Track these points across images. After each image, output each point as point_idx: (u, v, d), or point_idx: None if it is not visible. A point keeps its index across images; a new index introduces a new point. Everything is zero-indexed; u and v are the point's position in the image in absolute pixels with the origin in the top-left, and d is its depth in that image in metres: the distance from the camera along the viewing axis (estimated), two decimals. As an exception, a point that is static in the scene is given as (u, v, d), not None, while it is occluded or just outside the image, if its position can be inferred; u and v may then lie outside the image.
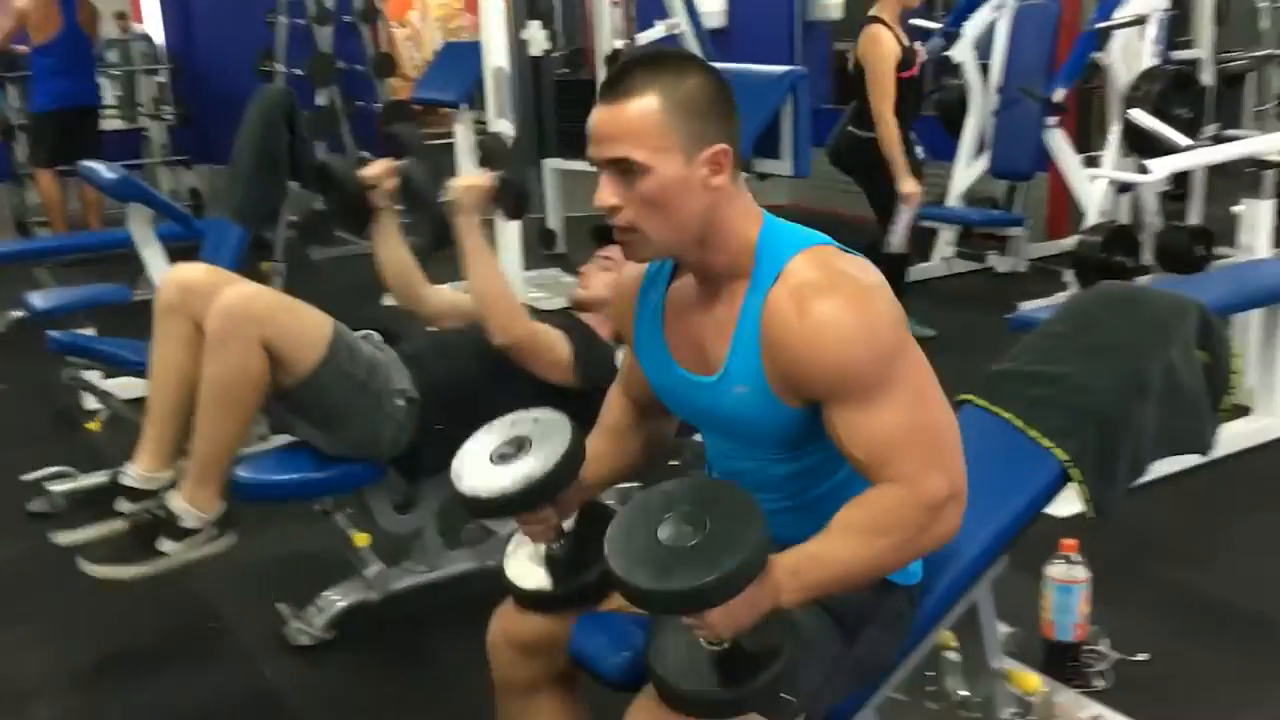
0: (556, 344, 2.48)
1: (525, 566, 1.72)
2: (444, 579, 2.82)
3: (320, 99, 6.79)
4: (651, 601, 1.35)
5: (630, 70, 1.42)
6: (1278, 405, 3.68)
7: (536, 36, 6.57)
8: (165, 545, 2.39)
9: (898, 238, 4.51)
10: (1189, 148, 3.85)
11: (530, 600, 1.70)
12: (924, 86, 5.47)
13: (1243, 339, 3.86)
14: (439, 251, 2.76)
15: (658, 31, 6.42)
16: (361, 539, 2.65)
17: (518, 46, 6.84)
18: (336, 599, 2.71)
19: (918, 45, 4.60)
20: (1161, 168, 3.52)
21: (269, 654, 2.65)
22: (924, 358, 1.46)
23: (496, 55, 4.60)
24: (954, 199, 5.83)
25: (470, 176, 2.20)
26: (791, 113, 3.93)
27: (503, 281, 2.52)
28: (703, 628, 1.37)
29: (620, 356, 1.87)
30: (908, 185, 4.42)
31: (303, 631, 2.67)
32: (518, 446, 1.64)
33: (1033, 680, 2.04)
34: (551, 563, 1.71)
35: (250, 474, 2.51)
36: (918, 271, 5.29)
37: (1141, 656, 2.52)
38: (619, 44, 6.06)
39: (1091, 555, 2.68)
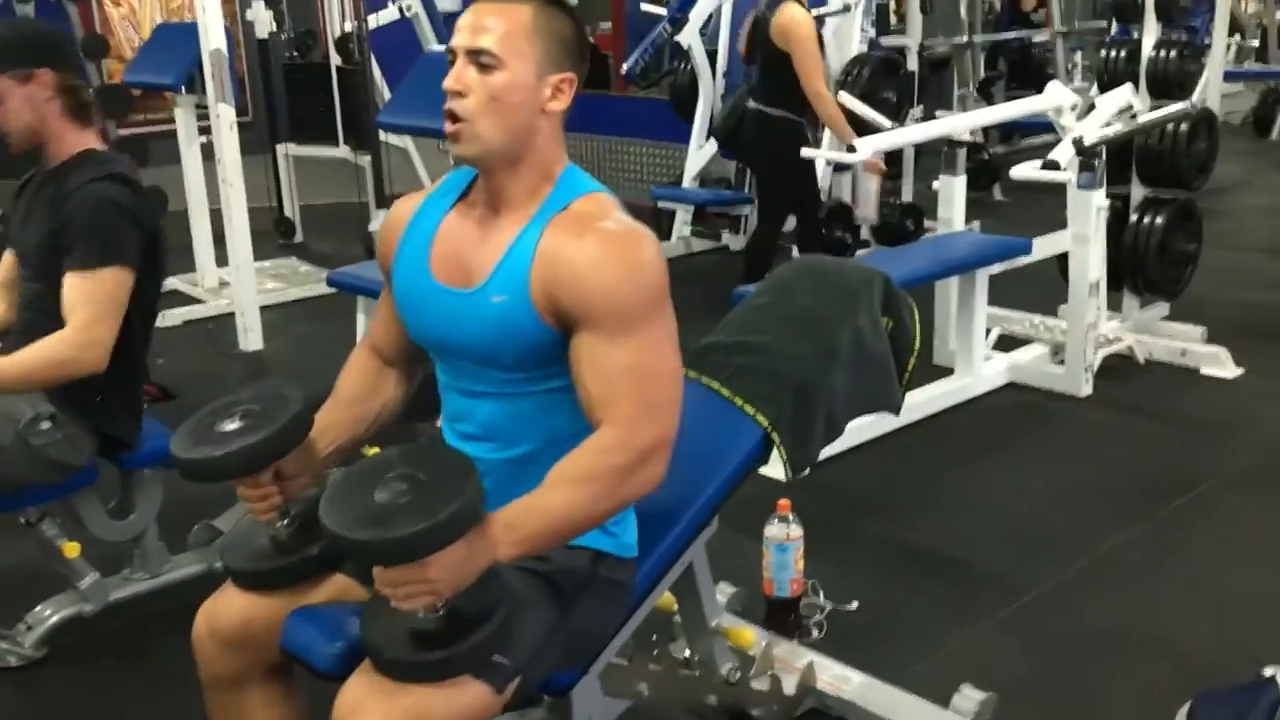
0: None
1: (247, 547, 1.68)
2: (169, 584, 2.71)
3: (24, 82, 6.30)
4: (370, 551, 1.36)
5: None
6: (976, 365, 4.00)
7: (262, 17, 6.36)
8: None
9: (873, 209, 5.00)
10: (892, 128, 4.11)
11: (248, 577, 1.66)
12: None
13: (944, 305, 4.18)
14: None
15: (390, 13, 6.32)
16: (71, 549, 2.50)
17: (245, 28, 6.61)
18: (48, 614, 2.56)
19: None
20: (866, 147, 3.76)
21: (-28, 679, 2.47)
22: (673, 317, 1.56)
23: (214, 36, 4.40)
24: (688, 180, 6.01)
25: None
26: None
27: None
28: (422, 594, 1.38)
29: None
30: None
31: (10, 652, 2.50)
32: (245, 417, 1.62)
33: (747, 635, 2.15)
34: (275, 543, 1.68)
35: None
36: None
37: (852, 605, 2.70)
38: (349, 26, 5.93)
39: (808, 514, 2.85)
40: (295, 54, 6.54)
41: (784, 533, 2.56)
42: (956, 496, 3.34)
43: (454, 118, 1.52)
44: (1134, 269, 4.43)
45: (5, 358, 2.23)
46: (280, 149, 6.46)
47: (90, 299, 2.21)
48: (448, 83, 1.52)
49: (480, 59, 1.50)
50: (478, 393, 1.62)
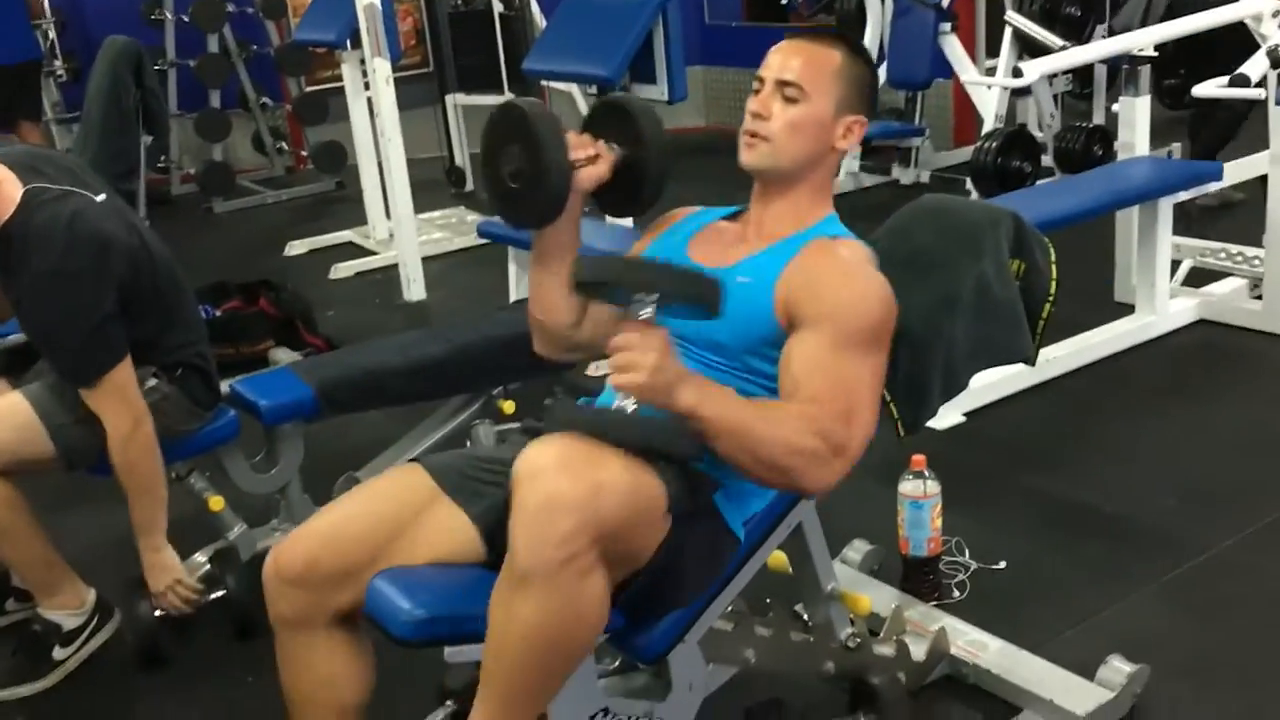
0: None
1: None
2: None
3: (211, 45, 6.59)
4: (690, 287, 1.49)
5: (827, 32, 1.77)
6: (1159, 303, 3.69)
7: (428, -32, 6.42)
8: (58, 653, 2.44)
9: None
10: (1062, 48, 3.80)
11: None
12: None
13: (1125, 237, 3.87)
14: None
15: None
16: (216, 503, 2.60)
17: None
18: (202, 560, 2.67)
19: None
20: (1033, 70, 3.48)
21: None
22: (884, 373, 1.65)
23: (367, -11, 4.45)
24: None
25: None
26: (663, 36, 3.83)
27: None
28: (641, 367, 1.41)
29: None
30: None
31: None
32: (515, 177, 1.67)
33: (864, 601, 2.03)
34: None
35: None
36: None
37: (999, 565, 2.54)
38: (511, -29, 5.92)
39: (959, 465, 2.70)
40: (460, 3, 6.58)
41: (920, 489, 2.41)
42: (1127, 447, 3.09)
43: (753, 135, 1.70)
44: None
45: (132, 520, 2.36)
46: (449, 99, 6.54)
47: (100, 408, 2.25)
48: (754, 106, 1.70)
49: (787, 90, 1.68)
50: None
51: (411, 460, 1.81)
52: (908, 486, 2.42)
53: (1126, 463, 3.00)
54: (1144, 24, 4.53)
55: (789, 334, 1.61)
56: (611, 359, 1.45)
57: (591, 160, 1.69)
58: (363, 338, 3.86)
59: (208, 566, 2.63)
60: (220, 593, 2.54)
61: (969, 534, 2.62)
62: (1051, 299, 1.99)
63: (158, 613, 2.45)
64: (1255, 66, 3.28)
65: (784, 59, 1.70)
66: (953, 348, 1.86)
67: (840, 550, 2.51)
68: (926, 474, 2.42)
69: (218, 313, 4.07)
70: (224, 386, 2.65)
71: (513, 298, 4.05)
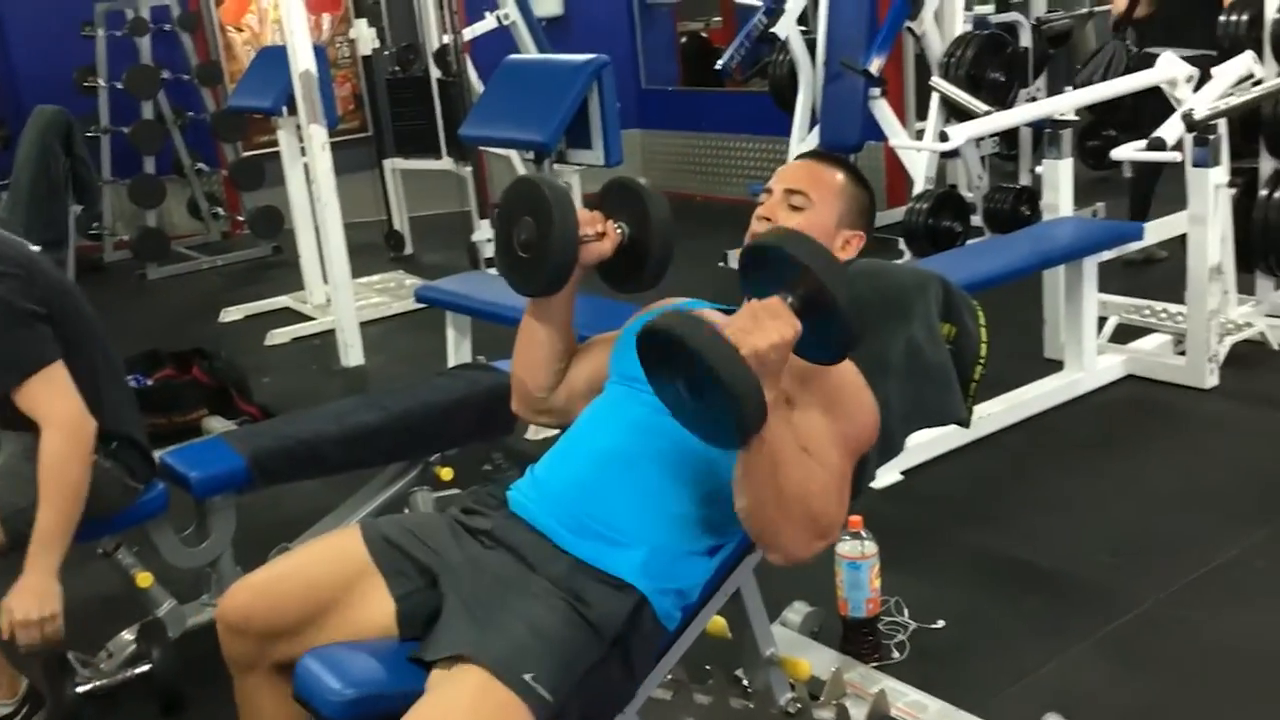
0: None
1: None
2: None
3: (146, 111, 6.55)
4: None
5: (836, 158, 1.92)
6: (1087, 359, 3.76)
7: (365, 35, 6.46)
8: None
9: None
10: (986, 113, 3.90)
11: None
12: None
13: (1053, 295, 3.95)
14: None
15: (487, 24, 6.34)
16: (144, 579, 2.54)
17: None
18: (128, 639, 2.60)
19: None
20: (959, 135, 3.57)
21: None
22: (850, 462, 1.68)
23: (303, 58, 4.47)
24: (791, 174, 5.86)
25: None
26: (598, 102, 3.88)
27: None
28: (768, 335, 1.42)
29: None
30: None
31: (94, 678, 2.55)
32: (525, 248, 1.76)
33: (803, 666, 2.04)
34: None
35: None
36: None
37: (938, 624, 2.55)
38: (447, 39, 5.97)
39: (897, 524, 2.71)
40: (398, 69, 6.62)
41: (858, 549, 2.42)
42: (1060, 502, 3.13)
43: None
44: (1266, 248, 4.10)
45: (36, 528, 2.15)
46: (387, 164, 6.56)
47: (37, 404, 2.16)
48: (761, 212, 1.82)
49: (793, 199, 1.79)
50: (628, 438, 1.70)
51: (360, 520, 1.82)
52: (845, 547, 2.43)
53: (1061, 517, 3.04)
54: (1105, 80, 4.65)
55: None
56: (748, 310, 1.46)
57: (599, 237, 1.77)
58: (299, 404, 3.82)
59: (134, 645, 2.57)
60: (146, 667, 2.47)
61: (908, 593, 2.63)
62: (982, 360, 2.02)
63: (81, 688, 2.38)
64: (1171, 130, 3.39)
65: (793, 173, 1.83)
66: (887, 411, 1.87)
67: (780, 612, 2.51)
68: (864, 534, 2.43)
69: (150, 382, 4.01)
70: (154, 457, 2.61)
71: (451, 362, 4.04)
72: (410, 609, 1.64)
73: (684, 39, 9.00)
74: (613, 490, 1.67)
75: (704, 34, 9.80)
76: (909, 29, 5.20)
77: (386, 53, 6.67)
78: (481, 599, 1.57)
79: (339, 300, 4.73)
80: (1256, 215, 4.07)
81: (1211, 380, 3.71)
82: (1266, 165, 4.14)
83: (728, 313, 1.84)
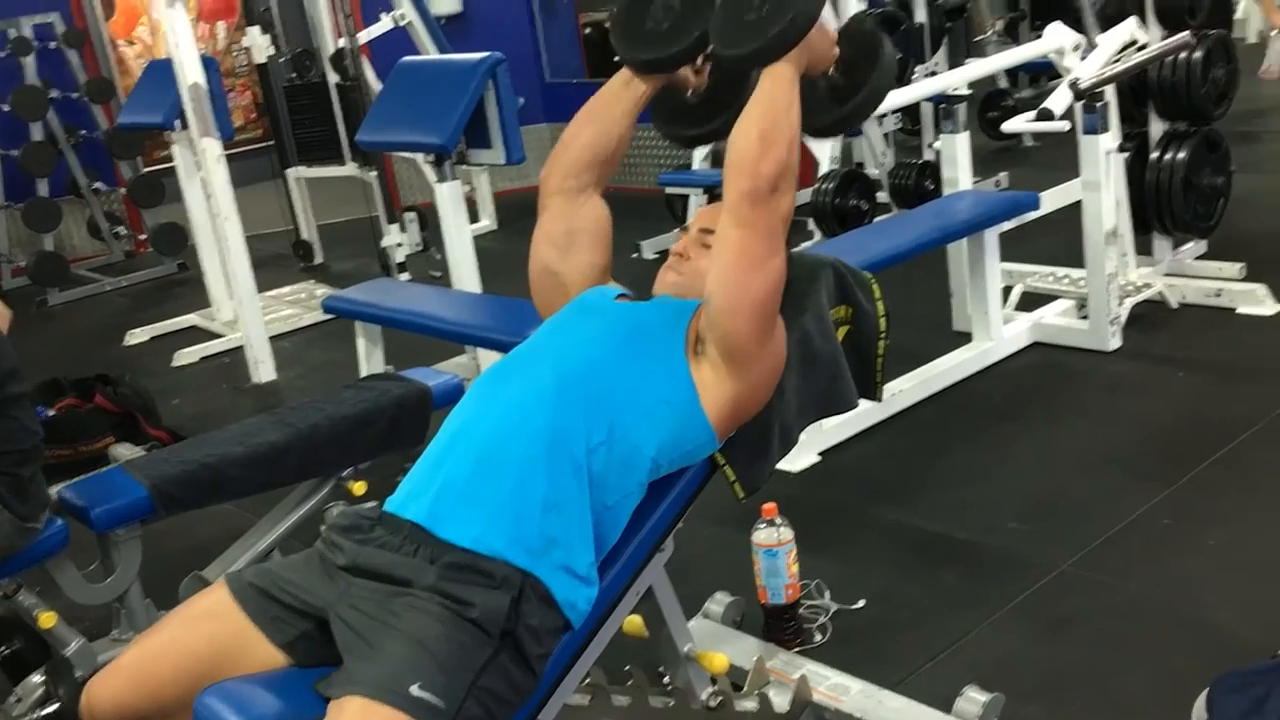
0: None
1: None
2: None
3: (35, 133, 6.35)
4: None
5: None
6: (994, 329, 3.82)
7: (259, 42, 6.32)
8: None
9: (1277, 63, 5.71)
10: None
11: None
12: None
13: (958, 268, 4.00)
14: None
15: (383, 25, 6.25)
16: (47, 619, 2.46)
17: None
18: (38, 681, 2.52)
19: None
20: (855, 114, 3.57)
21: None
22: None
23: (190, 70, 4.36)
24: (699, 162, 5.87)
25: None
26: (495, 100, 3.83)
27: None
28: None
29: None
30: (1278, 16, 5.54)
31: (4, 723, 2.48)
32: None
33: (719, 660, 2.03)
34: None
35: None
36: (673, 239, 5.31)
37: (859, 604, 2.57)
38: (343, 42, 5.86)
39: (815, 505, 2.72)
40: (295, 75, 6.50)
41: (773, 537, 2.43)
42: (974, 473, 3.18)
43: (677, 270, 1.90)
44: (1160, 209, 4.20)
45: None
46: (291, 172, 6.44)
47: None
48: (677, 247, 1.92)
49: (707, 239, 1.84)
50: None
51: (231, 571, 1.76)
52: (761, 535, 2.44)
53: (975, 489, 3.08)
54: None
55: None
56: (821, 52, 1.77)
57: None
58: (210, 426, 3.71)
59: (42, 687, 2.49)
60: (54, 707, 2.40)
61: (828, 574, 2.64)
62: (883, 335, 2.03)
63: None
64: (1059, 99, 3.45)
65: (711, 214, 1.87)
66: (785, 408, 1.88)
67: (702, 604, 2.51)
68: (779, 521, 2.44)
69: (51, 412, 3.89)
70: (53, 491, 2.53)
71: (363, 373, 3.97)
72: (304, 649, 1.60)
73: (587, 29, 8.96)
74: (488, 471, 1.65)
75: (608, 24, 9.77)
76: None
77: (282, 59, 6.53)
78: (362, 630, 1.54)
79: (246, 315, 4.64)
80: (1149, 177, 4.17)
81: (1114, 343, 3.79)
82: (1156, 128, 4.24)
83: (630, 298, 1.93)
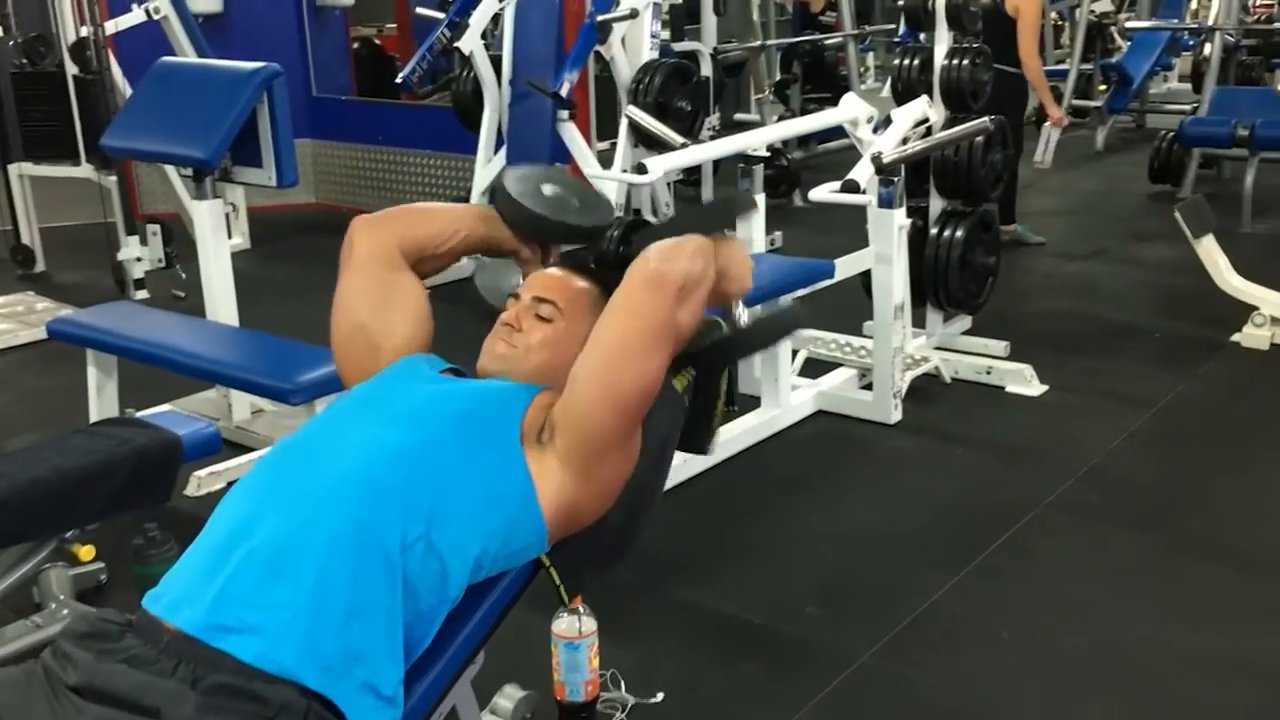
0: None
1: None
2: None
3: None
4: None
5: (589, 268, 1.79)
6: (782, 395, 3.76)
7: (-17, 22, 5.63)
8: None
9: (1049, 154, 6.16)
10: (682, 145, 3.84)
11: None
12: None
13: (748, 332, 3.92)
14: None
15: (135, 17, 5.69)
16: None
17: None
18: None
19: None
20: (658, 167, 3.46)
21: None
22: None
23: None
24: (476, 195, 5.61)
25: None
26: (269, 115, 3.48)
27: None
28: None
29: None
30: (1056, 111, 5.96)
31: None
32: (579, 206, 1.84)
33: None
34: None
35: None
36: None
37: (657, 698, 2.39)
38: (85, 31, 5.28)
39: (609, 587, 2.53)
40: (25, 62, 5.80)
41: (575, 628, 2.22)
42: (769, 549, 3.07)
43: (512, 332, 1.69)
44: (936, 284, 4.30)
45: None
46: (13, 168, 5.74)
47: None
48: (507, 317, 1.70)
49: (542, 309, 1.69)
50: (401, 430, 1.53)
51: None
52: (562, 625, 2.22)
53: (770, 567, 2.97)
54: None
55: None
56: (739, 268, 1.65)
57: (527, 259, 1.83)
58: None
59: None
60: None
61: (624, 664, 2.45)
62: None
63: None
64: (862, 171, 3.44)
65: (544, 281, 1.74)
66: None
67: (490, 697, 2.27)
68: (582, 610, 2.23)
69: None
70: None
71: (93, 408, 3.50)
72: None
73: (356, 45, 8.56)
74: (283, 571, 1.38)
75: (377, 40, 9.38)
76: (598, 52, 5.09)
77: (12, 43, 5.84)
78: None
79: (-51, 332, 4.02)
80: (928, 252, 4.25)
81: (896, 415, 3.81)
82: (935, 205, 4.35)
83: (457, 373, 1.74)
